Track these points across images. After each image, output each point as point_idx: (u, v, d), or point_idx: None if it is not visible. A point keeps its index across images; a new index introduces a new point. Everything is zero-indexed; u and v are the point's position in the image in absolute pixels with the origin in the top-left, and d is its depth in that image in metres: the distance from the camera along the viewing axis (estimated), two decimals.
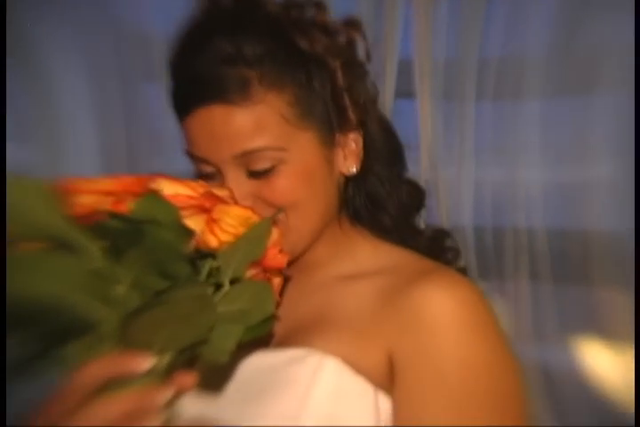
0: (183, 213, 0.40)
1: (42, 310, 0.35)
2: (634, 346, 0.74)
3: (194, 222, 0.41)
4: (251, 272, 0.45)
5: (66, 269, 0.35)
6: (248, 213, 0.45)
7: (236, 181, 0.51)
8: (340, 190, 0.57)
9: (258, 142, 0.49)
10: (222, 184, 0.50)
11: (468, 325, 0.48)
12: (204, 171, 0.52)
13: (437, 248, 0.63)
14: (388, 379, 0.49)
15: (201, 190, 0.45)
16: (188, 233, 0.40)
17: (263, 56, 0.48)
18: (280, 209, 0.49)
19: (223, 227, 0.43)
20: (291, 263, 0.54)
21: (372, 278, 0.55)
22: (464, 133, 0.87)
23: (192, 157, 0.52)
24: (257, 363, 0.51)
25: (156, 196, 0.39)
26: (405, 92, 0.88)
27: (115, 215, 0.36)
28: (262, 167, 0.50)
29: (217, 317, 0.40)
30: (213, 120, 0.49)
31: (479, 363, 0.47)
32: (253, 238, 0.44)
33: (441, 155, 0.87)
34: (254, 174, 0.50)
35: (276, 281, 0.48)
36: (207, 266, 0.42)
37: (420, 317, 0.48)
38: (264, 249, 0.45)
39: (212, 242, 0.42)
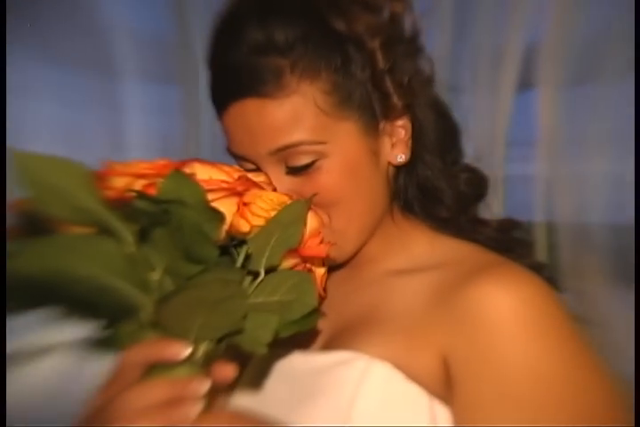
0: (213, 195, 0.39)
1: (86, 291, 0.35)
2: (634, 346, 0.70)
3: (224, 205, 0.40)
4: (289, 262, 0.43)
5: (105, 254, 0.35)
6: (283, 198, 0.43)
7: (276, 178, 0.48)
8: (390, 182, 0.52)
9: (294, 137, 0.46)
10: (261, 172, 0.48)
11: (532, 326, 0.43)
12: (246, 168, 0.50)
13: (505, 241, 0.57)
14: (444, 386, 0.44)
15: (236, 175, 0.43)
16: (216, 215, 0.38)
17: (295, 41, 0.45)
18: (314, 193, 0.46)
19: (254, 210, 0.41)
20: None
21: (427, 273, 0.50)
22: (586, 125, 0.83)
23: (231, 154, 0.50)
24: (304, 364, 0.49)
25: (180, 175, 0.38)
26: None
27: (141, 196, 0.36)
28: (301, 163, 0.47)
29: (250, 305, 0.39)
30: (247, 115, 0.46)
31: (550, 371, 0.42)
32: (287, 224, 0.42)
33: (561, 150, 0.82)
34: (294, 171, 0.47)
35: (319, 272, 0.46)
36: (241, 252, 0.41)
37: (477, 316, 0.43)
38: (300, 236, 0.42)
39: (243, 226, 0.40)
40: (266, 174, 0.48)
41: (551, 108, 0.87)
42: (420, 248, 0.53)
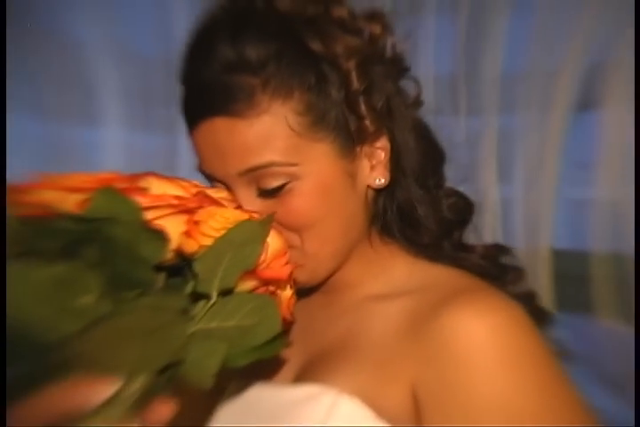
0: (159, 212, 0.36)
1: (9, 326, 0.30)
2: (634, 346, 0.66)
3: (170, 223, 0.36)
4: (248, 284, 0.39)
5: (26, 278, 0.31)
6: (241, 216, 0.40)
7: (247, 200, 0.46)
8: (369, 205, 0.50)
9: (264, 158, 0.44)
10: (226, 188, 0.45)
11: (503, 357, 0.39)
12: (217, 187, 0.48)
13: (492, 267, 0.53)
14: (414, 420, 0.42)
15: (193, 190, 0.40)
16: (154, 235, 0.35)
17: (267, 59, 0.44)
18: (273, 213, 0.43)
19: (204, 230, 0.37)
20: (319, 284, 0.49)
21: (403, 300, 0.47)
22: None
23: (202, 173, 0.48)
24: (273, 398, 0.47)
25: (111, 191, 0.35)
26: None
27: (63, 214, 0.33)
28: (272, 185, 0.45)
29: (200, 332, 0.36)
30: (217, 134, 0.45)
31: (521, 405, 0.39)
32: (241, 243, 0.38)
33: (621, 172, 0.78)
34: (265, 193, 0.45)
35: (285, 295, 0.42)
36: (188, 274, 0.37)
37: (447, 346, 0.40)
38: (256, 256, 0.39)
39: (190, 246, 0.37)
40: (233, 194, 0.46)
41: (612, 129, 0.81)
42: (399, 273, 0.50)
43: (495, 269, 0.53)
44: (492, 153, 0.85)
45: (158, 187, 0.39)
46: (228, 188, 0.47)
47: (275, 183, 0.45)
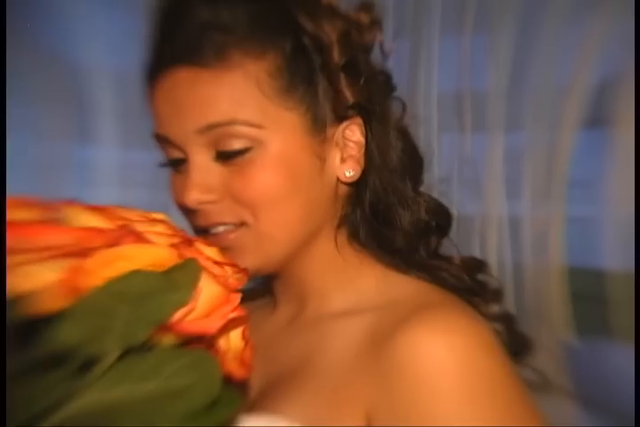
0: (35, 255, 0.29)
1: None
2: (634, 346, 0.64)
3: (45, 269, 0.29)
4: (171, 338, 0.32)
5: None
6: (162, 257, 0.32)
7: (202, 166, 0.43)
8: (338, 200, 0.48)
9: (227, 114, 0.41)
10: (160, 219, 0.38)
11: (462, 381, 0.37)
12: (171, 156, 0.45)
13: (468, 281, 0.51)
14: None
15: (119, 223, 0.34)
16: None
17: (244, 20, 0.42)
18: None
19: (89, 280, 0.30)
20: (283, 289, 0.46)
21: (366, 316, 0.45)
22: None
23: (157, 139, 0.45)
24: None
25: None
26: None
27: None
28: (233, 147, 0.42)
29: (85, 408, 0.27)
30: (180, 85, 0.42)
31: None
32: (142, 295, 0.30)
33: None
34: (223, 157, 0.42)
35: (233, 348, 0.35)
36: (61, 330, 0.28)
37: (402, 367, 0.38)
38: (170, 309, 0.31)
39: (59, 300, 0.29)
40: (189, 166, 0.42)
41: (621, 147, 0.79)
42: (366, 286, 0.48)
43: (471, 285, 0.51)
44: (499, 170, 0.83)
45: (77, 217, 0.33)
46: (184, 152, 0.43)
47: (236, 145, 0.42)
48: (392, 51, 0.52)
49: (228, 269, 0.36)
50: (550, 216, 0.80)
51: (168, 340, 0.32)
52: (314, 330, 0.48)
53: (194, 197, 0.43)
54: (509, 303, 0.86)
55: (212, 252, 0.36)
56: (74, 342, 0.28)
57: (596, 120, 0.82)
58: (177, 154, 0.45)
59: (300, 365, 0.46)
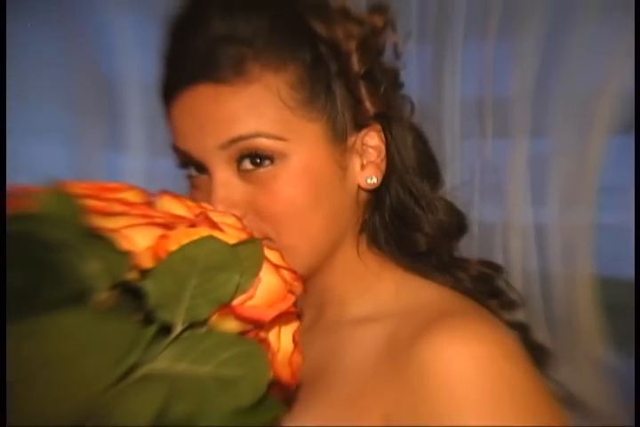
0: (129, 220, 0.32)
1: None
2: (634, 346, 0.62)
3: (138, 235, 0.32)
4: (230, 324, 0.33)
5: None
6: (230, 241, 0.34)
7: (225, 181, 0.42)
8: (359, 208, 0.47)
9: (250, 126, 0.41)
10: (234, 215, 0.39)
11: (484, 391, 0.35)
12: (192, 173, 0.45)
13: (485, 286, 0.49)
14: None
15: (197, 211, 0.37)
16: (103, 242, 0.30)
17: (260, 32, 0.42)
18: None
19: (170, 247, 0.32)
20: (302, 296, 0.45)
21: (385, 323, 0.44)
22: None
23: (177, 152, 0.45)
24: None
25: (57, 190, 0.31)
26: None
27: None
28: (257, 161, 0.41)
29: (151, 375, 0.28)
30: (200, 101, 0.41)
31: None
32: (211, 267, 0.32)
33: None
34: (247, 173, 0.42)
35: (284, 349, 0.35)
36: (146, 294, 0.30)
37: (422, 376, 0.37)
38: (232, 286, 0.32)
39: (147, 262, 0.32)
40: (212, 182, 0.42)
41: None
42: (385, 292, 0.47)
43: (489, 288, 0.49)
44: (522, 175, 0.81)
45: (166, 205, 0.37)
46: (205, 168, 0.43)
47: (259, 159, 0.41)
48: (404, 52, 0.52)
49: (287, 275, 0.36)
50: (579, 223, 0.77)
51: (227, 324, 0.33)
52: (333, 337, 0.47)
53: None
54: (538, 314, 0.83)
55: (273, 255, 0.36)
56: (154, 302, 0.30)
57: (631, 125, 0.79)
58: (198, 169, 0.45)
59: (319, 371, 0.45)
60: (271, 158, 0.41)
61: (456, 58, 0.88)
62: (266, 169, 0.42)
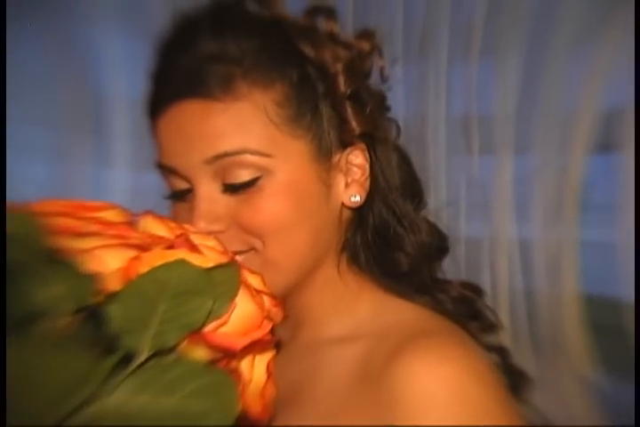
0: (101, 241, 0.31)
1: None
2: (634, 346, 0.62)
3: (110, 256, 0.31)
4: (199, 352, 0.31)
5: None
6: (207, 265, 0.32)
7: (209, 196, 0.42)
8: (342, 226, 0.47)
9: (236, 143, 0.41)
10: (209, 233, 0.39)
11: (453, 413, 0.35)
12: (176, 187, 0.45)
13: (465, 308, 0.50)
14: None
15: (178, 232, 0.37)
16: (60, 260, 0.28)
17: (251, 52, 0.42)
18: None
19: (141, 270, 0.31)
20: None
21: (361, 343, 0.44)
22: None
23: (161, 168, 0.45)
24: None
25: (23, 211, 0.30)
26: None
27: None
28: (241, 178, 0.41)
29: (105, 412, 0.25)
30: (187, 117, 0.42)
31: None
32: (182, 292, 0.30)
33: None
34: (231, 188, 0.42)
35: (256, 381, 0.34)
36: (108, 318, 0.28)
37: (395, 400, 0.37)
38: (204, 312, 0.30)
39: (115, 285, 0.30)
40: (196, 198, 0.42)
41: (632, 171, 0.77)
42: (364, 312, 0.47)
43: (469, 310, 0.50)
44: (508, 192, 0.82)
45: (148, 225, 0.36)
46: (190, 183, 0.43)
47: (244, 177, 0.41)
48: (390, 76, 0.53)
49: (267, 300, 0.36)
50: (562, 240, 0.78)
51: (196, 352, 0.31)
52: (308, 358, 0.47)
53: (202, 226, 0.42)
54: (524, 332, 0.83)
55: (255, 280, 0.36)
56: (118, 328, 0.28)
57: (611, 145, 0.81)
58: (182, 184, 0.44)
59: (293, 393, 0.45)
60: (256, 178, 0.42)
61: (440, 77, 0.89)
62: (250, 184, 0.42)
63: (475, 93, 0.86)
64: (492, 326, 0.51)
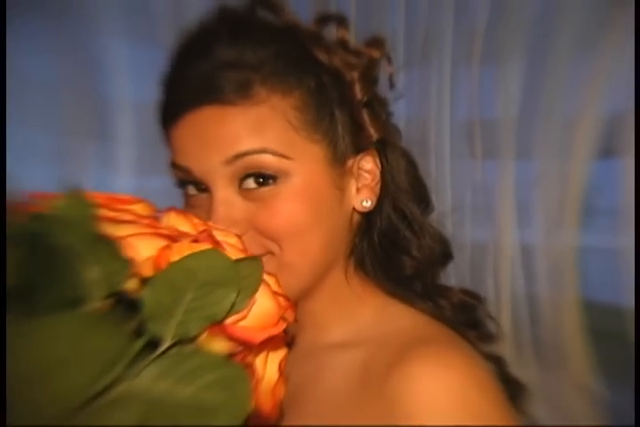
0: (134, 229, 0.32)
1: None
2: (634, 346, 0.62)
3: (142, 244, 0.32)
4: (218, 344, 0.32)
5: None
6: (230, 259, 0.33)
7: (226, 199, 0.42)
8: (353, 231, 0.48)
9: (256, 143, 0.41)
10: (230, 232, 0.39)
11: (455, 421, 0.35)
12: (189, 191, 0.45)
13: (464, 316, 0.51)
14: None
15: (201, 228, 0.37)
16: (108, 247, 0.30)
17: (268, 60, 0.43)
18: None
19: (172, 258, 0.32)
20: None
21: (362, 349, 0.44)
22: None
23: (176, 168, 0.45)
24: None
25: (76, 193, 0.31)
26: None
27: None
28: (260, 178, 0.42)
29: (128, 394, 0.26)
30: (206, 121, 0.42)
31: None
32: (209, 282, 0.31)
33: None
34: (248, 192, 0.42)
35: (268, 377, 0.35)
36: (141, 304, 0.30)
37: (396, 405, 0.37)
38: (228, 303, 0.31)
39: (148, 271, 0.32)
40: (213, 201, 0.42)
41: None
42: (366, 317, 0.47)
43: (468, 318, 0.50)
44: (511, 197, 0.82)
45: (172, 220, 0.37)
46: (205, 185, 0.43)
47: (262, 176, 0.41)
48: (398, 83, 0.54)
49: (282, 301, 0.36)
50: (564, 246, 0.78)
51: (215, 344, 0.32)
52: (308, 363, 0.48)
53: None
54: (526, 337, 0.83)
55: (270, 280, 0.36)
56: (147, 313, 0.29)
57: (613, 150, 0.81)
58: (194, 190, 0.45)
59: (294, 396, 0.45)
60: (274, 178, 0.42)
61: (443, 82, 0.90)
62: (268, 188, 0.42)
63: (477, 98, 0.87)
64: (489, 336, 0.52)
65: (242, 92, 0.41)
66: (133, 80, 0.93)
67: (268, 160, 0.41)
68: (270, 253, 0.43)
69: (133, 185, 0.98)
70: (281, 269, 0.42)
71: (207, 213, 0.43)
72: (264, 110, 0.42)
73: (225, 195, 0.43)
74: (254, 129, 0.41)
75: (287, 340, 0.37)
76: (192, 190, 0.46)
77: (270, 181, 0.42)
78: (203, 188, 0.44)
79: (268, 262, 0.42)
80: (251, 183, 0.42)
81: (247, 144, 0.41)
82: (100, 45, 0.93)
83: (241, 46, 0.43)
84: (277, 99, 0.42)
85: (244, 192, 0.43)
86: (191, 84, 0.43)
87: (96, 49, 0.93)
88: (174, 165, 0.45)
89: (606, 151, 0.81)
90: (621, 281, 0.74)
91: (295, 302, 0.44)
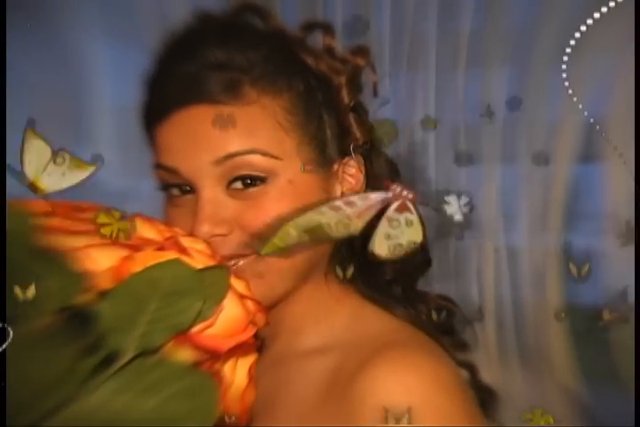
0: (92, 240, 0.32)
1: None
2: (634, 346, 0.55)
3: (102, 254, 0.31)
4: (184, 353, 0.31)
5: None
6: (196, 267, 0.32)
7: (214, 198, 0.42)
8: None
9: (246, 143, 0.41)
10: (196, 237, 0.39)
11: (419, 421, 0.35)
12: (173, 193, 0.44)
13: (439, 323, 0.50)
14: None
15: (167, 235, 0.36)
16: (50, 257, 0.29)
17: (257, 62, 0.43)
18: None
19: (134, 269, 0.31)
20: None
21: (332, 354, 0.44)
22: None
23: (161, 169, 0.44)
24: None
25: (14, 207, 0.30)
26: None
27: None
28: (249, 178, 0.41)
29: (85, 412, 0.25)
30: (194, 120, 0.41)
31: None
32: (173, 292, 0.30)
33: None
34: (236, 191, 0.42)
35: (237, 383, 0.34)
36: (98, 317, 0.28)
37: (359, 410, 0.37)
38: (194, 313, 0.30)
39: (106, 284, 0.30)
40: (199, 200, 0.42)
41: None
42: (341, 321, 0.47)
43: (444, 326, 0.50)
44: (494, 202, 0.83)
45: (138, 227, 0.36)
46: (191, 186, 0.43)
47: (251, 176, 0.41)
48: (383, 90, 0.54)
49: (251, 305, 0.35)
50: (548, 249, 0.79)
51: (181, 354, 0.31)
52: (282, 367, 0.48)
53: (206, 229, 0.42)
54: (510, 340, 0.84)
55: (239, 284, 0.35)
56: (107, 326, 0.28)
57: (593, 156, 0.82)
58: (178, 191, 0.45)
59: (266, 402, 0.45)
60: (263, 179, 0.42)
61: (428, 88, 0.91)
62: (256, 188, 0.42)
63: (462, 104, 0.88)
64: (463, 345, 0.52)
65: (231, 93, 0.42)
66: (117, 83, 0.93)
67: (256, 160, 0.41)
68: (255, 253, 0.43)
69: (116, 187, 0.97)
70: (267, 270, 0.42)
71: (192, 213, 0.43)
72: (255, 110, 0.42)
73: (212, 194, 0.42)
74: (245, 128, 0.41)
75: (258, 344, 0.36)
76: (176, 192, 0.45)
77: (258, 183, 0.42)
78: (187, 189, 0.44)
79: (253, 264, 0.42)
80: (238, 185, 0.43)
81: (237, 144, 0.41)
82: (83, 48, 0.92)
83: (230, 48, 0.43)
84: (268, 100, 0.43)
85: (231, 192, 0.43)
86: (178, 83, 0.43)
87: (78, 52, 0.92)
88: (159, 166, 0.44)
89: (588, 156, 0.83)
90: (605, 285, 0.75)
91: (274, 304, 0.45)
